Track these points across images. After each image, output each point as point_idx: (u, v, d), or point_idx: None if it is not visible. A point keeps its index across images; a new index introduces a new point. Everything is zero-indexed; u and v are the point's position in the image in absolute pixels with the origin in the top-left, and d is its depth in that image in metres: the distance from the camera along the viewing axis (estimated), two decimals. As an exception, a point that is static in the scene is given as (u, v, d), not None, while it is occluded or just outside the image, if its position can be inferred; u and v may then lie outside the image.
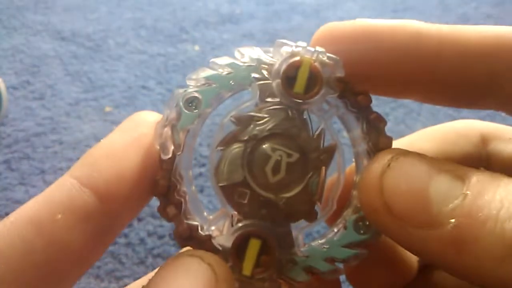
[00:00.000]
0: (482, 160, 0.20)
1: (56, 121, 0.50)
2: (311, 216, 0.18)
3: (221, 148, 0.18)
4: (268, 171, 0.18)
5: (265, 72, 0.18)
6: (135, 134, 0.17)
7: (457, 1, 0.76)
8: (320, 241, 0.18)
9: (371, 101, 0.18)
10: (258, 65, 0.18)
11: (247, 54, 0.18)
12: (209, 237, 0.18)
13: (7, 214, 0.20)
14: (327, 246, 0.18)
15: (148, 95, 0.56)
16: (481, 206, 0.13)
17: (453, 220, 0.13)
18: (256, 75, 0.18)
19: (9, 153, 0.47)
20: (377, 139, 0.18)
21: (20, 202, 0.41)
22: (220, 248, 0.17)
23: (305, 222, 0.18)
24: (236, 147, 0.18)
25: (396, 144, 0.19)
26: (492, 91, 0.17)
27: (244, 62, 0.18)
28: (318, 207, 0.18)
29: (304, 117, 0.18)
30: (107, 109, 0.54)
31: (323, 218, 0.19)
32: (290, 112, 0.18)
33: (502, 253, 0.13)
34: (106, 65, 0.59)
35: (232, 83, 0.18)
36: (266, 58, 0.18)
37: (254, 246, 0.17)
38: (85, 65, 0.59)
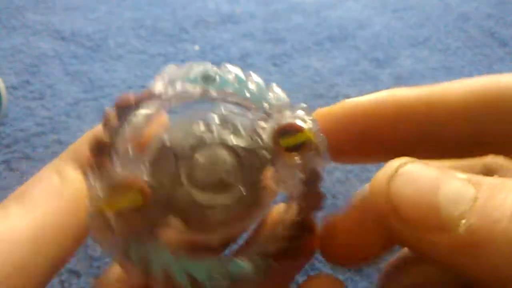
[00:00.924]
0: None
1: (56, 121, 0.50)
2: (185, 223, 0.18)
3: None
4: (204, 164, 0.17)
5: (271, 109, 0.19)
6: None
7: (458, 1, 0.76)
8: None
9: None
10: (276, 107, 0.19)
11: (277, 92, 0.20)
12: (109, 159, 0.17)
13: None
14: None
15: (148, 95, 0.56)
16: (493, 208, 0.13)
17: (464, 222, 0.13)
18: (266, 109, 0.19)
19: (8, 153, 0.47)
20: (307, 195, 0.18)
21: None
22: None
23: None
24: (203, 132, 0.18)
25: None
26: (486, 141, 0.18)
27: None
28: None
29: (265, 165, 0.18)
30: (107, 109, 0.54)
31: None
32: (261, 151, 0.18)
33: None
34: (106, 65, 0.59)
35: (248, 96, 0.19)
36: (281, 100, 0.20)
37: (134, 196, 0.16)
38: (85, 65, 0.59)
